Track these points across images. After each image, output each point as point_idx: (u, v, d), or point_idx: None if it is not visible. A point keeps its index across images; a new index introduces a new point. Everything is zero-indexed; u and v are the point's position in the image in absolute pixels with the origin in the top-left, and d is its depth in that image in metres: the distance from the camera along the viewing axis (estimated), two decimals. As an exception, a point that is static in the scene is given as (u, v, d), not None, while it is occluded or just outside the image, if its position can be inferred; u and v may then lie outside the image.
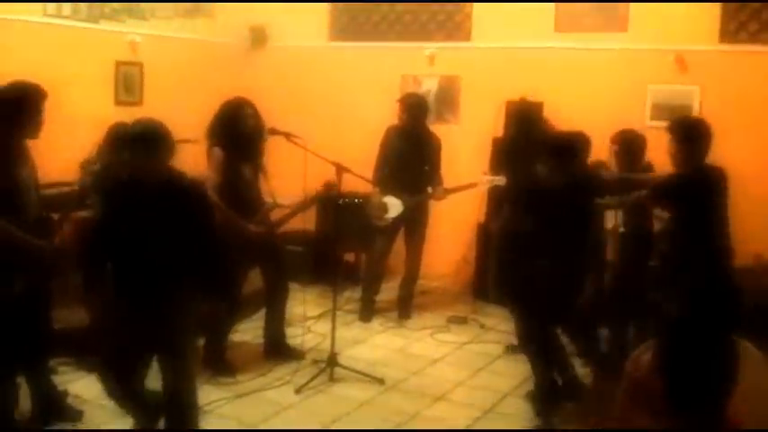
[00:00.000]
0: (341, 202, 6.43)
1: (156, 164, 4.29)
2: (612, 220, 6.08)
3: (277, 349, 6.33)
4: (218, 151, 5.79)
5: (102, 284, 4.38)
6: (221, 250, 4.60)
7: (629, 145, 6.15)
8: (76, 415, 5.09)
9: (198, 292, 4.49)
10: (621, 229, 6.07)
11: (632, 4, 7.80)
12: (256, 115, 5.97)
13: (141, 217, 4.17)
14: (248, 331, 6.57)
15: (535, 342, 5.34)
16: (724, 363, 2.56)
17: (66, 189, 5.69)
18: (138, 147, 4.32)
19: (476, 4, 8.59)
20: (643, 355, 2.83)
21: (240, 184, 5.85)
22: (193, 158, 6.96)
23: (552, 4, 8.14)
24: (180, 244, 4.20)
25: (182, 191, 4.34)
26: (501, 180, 6.96)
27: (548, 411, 5.26)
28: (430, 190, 7.29)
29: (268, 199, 6.09)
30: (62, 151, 6.57)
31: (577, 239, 5.20)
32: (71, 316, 6.08)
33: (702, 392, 2.52)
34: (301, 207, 6.19)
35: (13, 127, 4.72)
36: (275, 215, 6.21)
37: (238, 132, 5.86)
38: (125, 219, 4.23)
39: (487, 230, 7.61)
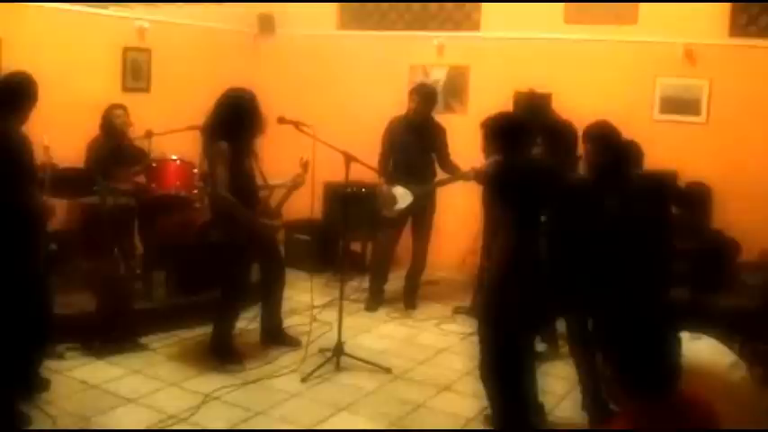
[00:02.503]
0: (348, 191, 6.43)
1: None
2: None
3: (274, 337, 6.34)
4: (223, 145, 5.67)
5: None
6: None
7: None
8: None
9: None
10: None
11: (642, -4, 7.77)
12: (260, 106, 5.86)
13: None
14: (253, 319, 6.55)
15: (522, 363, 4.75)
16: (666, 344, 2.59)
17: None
18: None
19: (485, -6, 8.56)
20: None
21: (244, 177, 5.82)
22: (201, 145, 7.02)
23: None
24: None
25: None
26: None
27: None
28: (442, 177, 7.31)
29: (259, 180, 6.07)
30: (69, 137, 6.58)
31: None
32: (77, 301, 6.12)
33: (651, 374, 2.55)
34: (289, 191, 6.17)
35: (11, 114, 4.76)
36: (272, 201, 6.24)
37: (243, 126, 5.75)
38: None
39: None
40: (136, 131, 7.08)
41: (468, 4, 8.73)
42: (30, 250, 4.75)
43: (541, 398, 5.09)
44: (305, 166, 6.12)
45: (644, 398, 2.52)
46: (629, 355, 2.55)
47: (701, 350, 3.06)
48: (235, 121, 5.73)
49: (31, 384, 5.00)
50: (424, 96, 7.27)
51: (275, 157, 6.44)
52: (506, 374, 4.69)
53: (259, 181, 6.05)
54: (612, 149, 4.92)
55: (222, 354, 5.92)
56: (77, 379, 5.38)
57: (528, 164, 4.80)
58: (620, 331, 2.59)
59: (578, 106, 6.84)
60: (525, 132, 4.93)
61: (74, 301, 6.13)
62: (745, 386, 3.23)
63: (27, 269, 4.72)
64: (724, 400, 2.77)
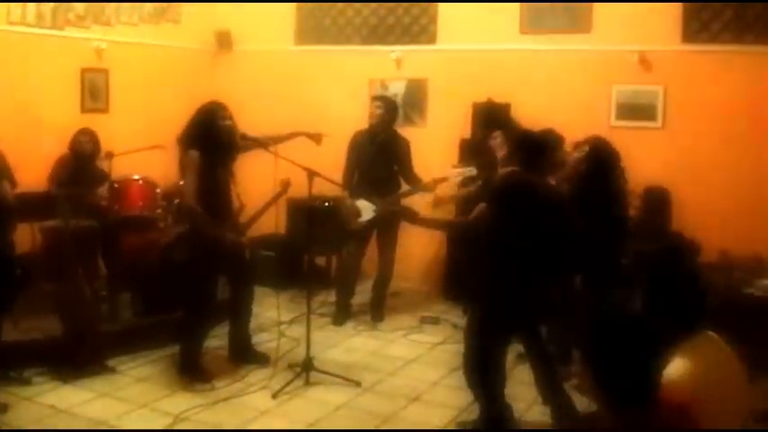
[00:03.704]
0: (311, 206, 6.45)
1: None
2: None
3: (243, 354, 6.33)
4: (194, 154, 5.70)
5: None
6: None
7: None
8: None
9: None
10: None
11: (595, 5, 7.87)
12: (231, 119, 5.90)
13: None
14: (220, 337, 6.53)
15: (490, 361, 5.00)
16: (648, 352, 2.63)
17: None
18: None
19: (441, 7, 8.62)
20: None
21: (216, 189, 5.82)
22: (163, 164, 7.01)
23: (516, 6, 8.19)
24: None
25: None
26: (471, 171, 6.90)
27: None
28: (405, 189, 7.35)
29: (235, 201, 6.07)
30: (29, 159, 6.54)
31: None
32: (43, 326, 6.08)
33: (631, 382, 2.58)
34: (265, 208, 6.22)
35: None
36: (243, 218, 6.24)
37: (214, 136, 5.78)
38: None
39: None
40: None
41: (424, 18, 8.77)
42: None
43: (512, 404, 5.18)
44: (285, 184, 6.19)
45: (623, 408, 2.55)
46: (609, 369, 2.57)
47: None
48: (206, 132, 5.77)
49: None
50: (388, 105, 7.35)
51: (238, 175, 6.44)
52: (478, 372, 4.96)
53: (235, 201, 6.05)
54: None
55: (191, 372, 5.90)
56: (46, 404, 5.33)
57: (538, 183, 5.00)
58: (602, 345, 2.61)
59: (536, 115, 6.92)
60: (544, 153, 5.14)
61: (39, 326, 6.09)
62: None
63: None
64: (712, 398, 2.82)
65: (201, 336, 6.07)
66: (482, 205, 5.24)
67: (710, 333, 3.17)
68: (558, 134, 6.03)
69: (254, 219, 6.21)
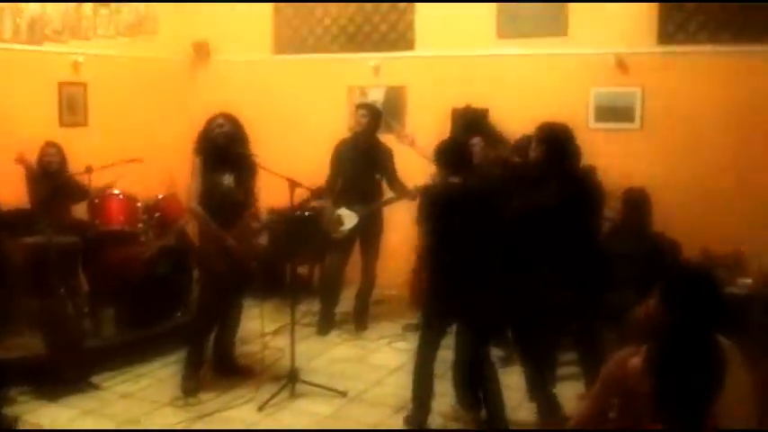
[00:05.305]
0: (293, 215, 6.46)
1: None
2: None
3: (227, 366, 6.33)
4: (196, 159, 5.86)
5: None
6: None
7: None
8: None
9: None
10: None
11: (571, 8, 7.90)
12: (226, 126, 5.94)
13: None
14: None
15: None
16: (714, 365, 2.60)
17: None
18: None
19: (418, 14, 8.63)
20: (630, 358, 2.84)
21: (217, 192, 5.85)
22: (143, 178, 7.00)
23: (493, 12, 8.21)
24: None
25: None
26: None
27: None
28: (387, 196, 7.38)
29: (254, 223, 6.24)
30: (9, 176, 6.52)
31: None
32: (26, 343, 6.05)
33: (693, 396, 2.54)
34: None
35: None
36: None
37: (210, 142, 5.88)
38: None
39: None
40: (74, 167, 7.02)
41: (401, 25, 8.78)
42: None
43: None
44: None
45: (679, 416, 2.53)
46: (676, 382, 2.55)
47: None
48: (203, 139, 5.92)
49: None
50: (372, 112, 7.36)
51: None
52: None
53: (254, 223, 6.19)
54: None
55: (186, 378, 5.94)
56: (31, 423, 5.31)
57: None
58: (673, 350, 2.58)
59: (515, 120, 6.96)
60: None
61: (22, 344, 6.05)
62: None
63: None
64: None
65: (205, 341, 6.11)
66: None
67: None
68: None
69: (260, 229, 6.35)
